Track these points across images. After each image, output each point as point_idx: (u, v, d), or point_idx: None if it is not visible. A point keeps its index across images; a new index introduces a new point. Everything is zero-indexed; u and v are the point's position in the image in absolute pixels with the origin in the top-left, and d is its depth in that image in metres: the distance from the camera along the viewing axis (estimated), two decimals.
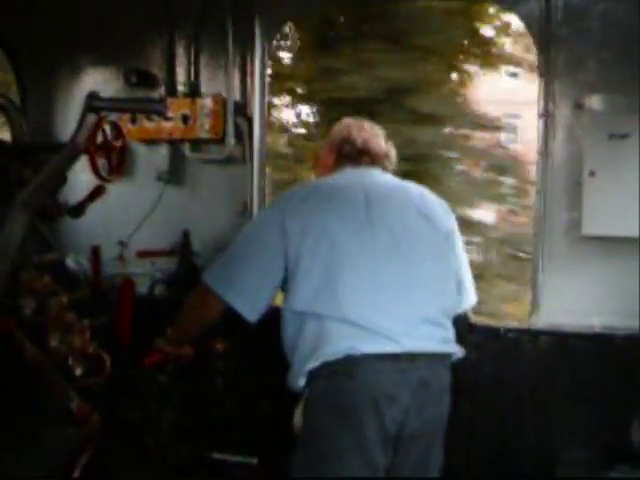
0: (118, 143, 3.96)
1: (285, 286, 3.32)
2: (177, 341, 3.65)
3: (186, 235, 4.92)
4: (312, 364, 3.20)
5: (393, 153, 3.71)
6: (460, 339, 3.83)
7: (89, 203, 4.00)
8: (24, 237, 3.35)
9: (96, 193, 4.00)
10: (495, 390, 4.48)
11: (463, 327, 4.24)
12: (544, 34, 4.48)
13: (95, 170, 3.85)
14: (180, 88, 4.95)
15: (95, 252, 4.57)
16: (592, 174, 4.35)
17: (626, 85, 4.34)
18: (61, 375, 3.52)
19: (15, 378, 3.34)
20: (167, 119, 4.70)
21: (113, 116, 4.03)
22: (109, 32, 4.98)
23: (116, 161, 3.97)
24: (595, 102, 4.37)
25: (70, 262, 4.64)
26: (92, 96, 3.70)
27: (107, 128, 3.90)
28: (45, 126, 5.08)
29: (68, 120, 4.96)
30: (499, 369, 4.49)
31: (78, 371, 3.66)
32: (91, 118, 3.61)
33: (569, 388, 4.39)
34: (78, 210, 4.00)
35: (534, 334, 4.52)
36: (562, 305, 4.49)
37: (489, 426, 4.47)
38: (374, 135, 3.68)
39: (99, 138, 3.82)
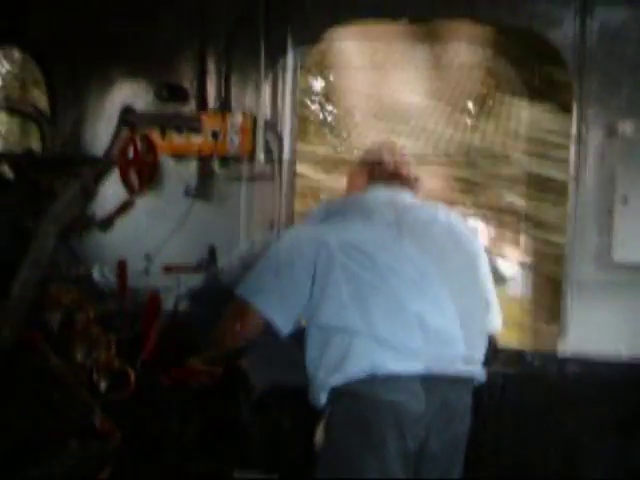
0: (149, 158, 3.96)
1: (311, 300, 3.30)
2: (213, 361, 3.63)
3: (212, 251, 4.89)
4: (335, 381, 3.18)
5: (421, 179, 3.72)
6: (486, 362, 3.80)
7: (118, 216, 4.01)
8: (54, 250, 3.35)
9: (125, 207, 4.01)
10: (520, 415, 4.43)
11: (489, 350, 4.21)
12: (578, 58, 4.45)
13: (127, 184, 3.85)
14: (211, 104, 4.93)
15: (122, 266, 4.54)
16: (625, 201, 4.31)
17: None
18: (85, 390, 3.50)
19: (40, 391, 3.33)
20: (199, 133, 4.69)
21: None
22: (142, 46, 4.98)
23: (147, 175, 3.97)
24: (628, 128, 4.34)
25: (96, 274, 4.63)
26: (127, 110, 3.70)
27: (139, 142, 3.90)
28: (75, 138, 5.08)
29: (98, 133, 4.97)
30: (524, 394, 4.44)
31: (102, 386, 3.65)
32: (125, 132, 3.62)
33: (595, 415, 4.34)
34: (107, 223, 4.01)
35: (561, 360, 4.49)
36: (590, 332, 4.45)
37: (513, 451, 4.42)
38: (405, 160, 3.68)
39: (131, 152, 3.84)
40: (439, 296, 3.26)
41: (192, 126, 4.25)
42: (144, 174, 3.94)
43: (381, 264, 3.22)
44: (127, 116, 3.65)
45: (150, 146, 3.95)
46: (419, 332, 3.17)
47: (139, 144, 3.84)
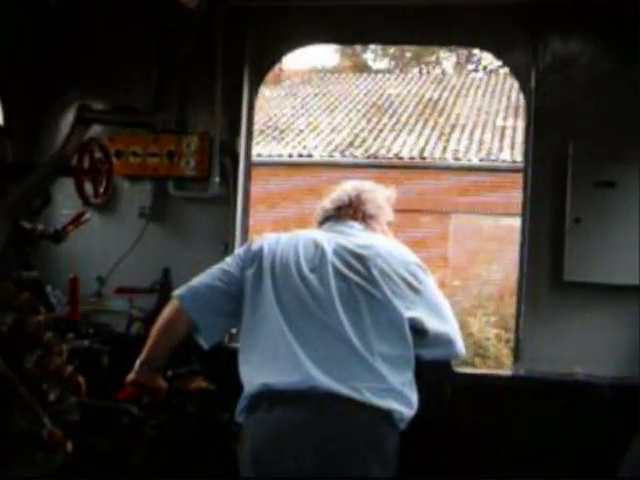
0: (105, 166, 3.93)
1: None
2: (149, 364, 3.56)
3: (166, 273, 4.85)
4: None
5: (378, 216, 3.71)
6: (441, 386, 3.80)
7: (72, 229, 3.96)
8: (5, 248, 3.29)
9: (79, 218, 3.97)
10: (476, 437, 4.41)
11: (443, 374, 4.21)
12: (530, 82, 4.56)
13: (81, 193, 3.81)
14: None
15: (73, 283, 4.47)
16: (577, 220, 4.38)
17: (610, 133, 4.41)
18: (34, 398, 3.41)
19: None
20: (155, 132, 4.66)
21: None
22: (99, 68, 4.97)
23: (102, 184, 3.95)
24: (580, 150, 4.42)
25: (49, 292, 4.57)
26: (83, 108, 3.68)
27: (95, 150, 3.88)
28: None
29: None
30: (480, 416, 4.42)
31: (52, 396, 3.56)
32: (80, 130, 3.59)
33: (551, 436, 4.33)
34: (60, 235, 3.95)
35: (515, 380, 4.51)
36: (544, 352, 4.47)
37: (469, 473, 4.38)
38: (362, 198, 3.69)
39: (86, 162, 3.81)
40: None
41: (146, 123, 4.22)
42: (100, 183, 3.91)
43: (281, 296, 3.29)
44: (83, 113, 3.63)
45: (106, 154, 3.92)
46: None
47: (95, 152, 3.82)
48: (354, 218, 3.61)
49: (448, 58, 33.57)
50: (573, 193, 4.41)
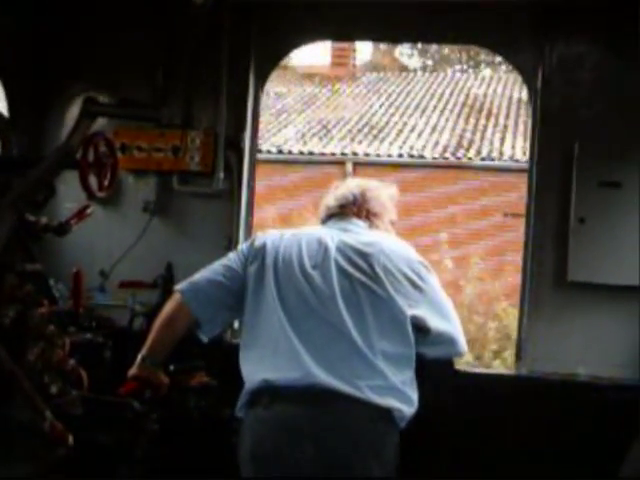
0: (110, 160, 3.93)
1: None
2: (151, 358, 3.56)
3: (169, 268, 4.84)
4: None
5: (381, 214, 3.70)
6: (443, 385, 3.79)
7: (76, 222, 3.95)
8: (9, 240, 3.28)
9: (83, 212, 3.96)
10: (477, 437, 4.41)
11: (446, 373, 4.19)
12: (536, 82, 4.55)
13: (86, 186, 3.81)
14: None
15: (77, 277, 4.47)
16: (581, 221, 4.37)
17: (616, 134, 4.41)
18: (36, 391, 3.41)
19: None
20: (162, 126, 4.66)
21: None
22: (105, 62, 4.97)
23: (107, 178, 3.94)
24: (585, 150, 4.41)
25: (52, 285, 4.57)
26: (89, 101, 3.66)
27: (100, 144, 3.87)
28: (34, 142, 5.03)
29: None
30: (482, 416, 4.41)
31: (54, 389, 3.56)
32: (86, 123, 3.58)
33: (552, 436, 4.33)
34: (64, 228, 3.94)
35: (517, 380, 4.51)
36: (547, 352, 4.47)
37: (470, 472, 4.38)
38: (367, 197, 3.68)
39: (91, 155, 3.81)
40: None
41: (153, 117, 4.23)
42: (104, 177, 3.91)
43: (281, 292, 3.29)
44: (89, 106, 3.63)
45: (111, 148, 3.93)
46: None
47: (100, 146, 3.82)
48: (358, 216, 3.60)
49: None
50: (578, 193, 4.41)
